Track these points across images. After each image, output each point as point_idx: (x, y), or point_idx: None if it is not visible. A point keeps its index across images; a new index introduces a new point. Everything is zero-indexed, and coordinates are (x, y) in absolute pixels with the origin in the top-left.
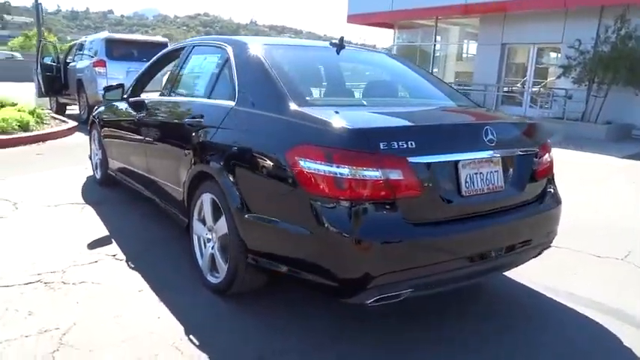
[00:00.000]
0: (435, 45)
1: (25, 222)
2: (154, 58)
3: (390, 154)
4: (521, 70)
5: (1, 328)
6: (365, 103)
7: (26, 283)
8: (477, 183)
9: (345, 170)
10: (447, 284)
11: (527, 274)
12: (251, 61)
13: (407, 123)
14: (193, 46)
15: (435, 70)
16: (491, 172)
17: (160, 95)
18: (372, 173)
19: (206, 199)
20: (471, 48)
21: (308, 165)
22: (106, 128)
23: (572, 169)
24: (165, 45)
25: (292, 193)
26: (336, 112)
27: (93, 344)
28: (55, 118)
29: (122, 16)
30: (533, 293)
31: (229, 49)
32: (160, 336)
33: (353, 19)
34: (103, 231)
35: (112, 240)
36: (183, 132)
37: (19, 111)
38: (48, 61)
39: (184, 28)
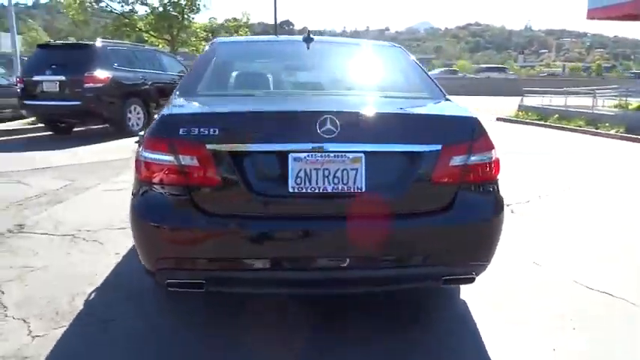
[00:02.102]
0: None
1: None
2: None
3: (186, 140)
4: None
5: None
6: (255, 94)
7: (64, 235)
8: (318, 180)
9: (148, 155)
10: (267, 286)
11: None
12: (198, 56)
13: (219, 110)
14: None
15: None
16: (344, 169)
17: None
18: (166, 158)
19: None
20: None
21: (139, 148)
22: None
23: None
24: None
25: None
26: (184, 101)
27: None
28: None
29: (396, 32)
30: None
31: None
32: (41, 284)
33: (594, 13)
34: None
35: None
36: None
37: None
38: None
39: (454, 39)
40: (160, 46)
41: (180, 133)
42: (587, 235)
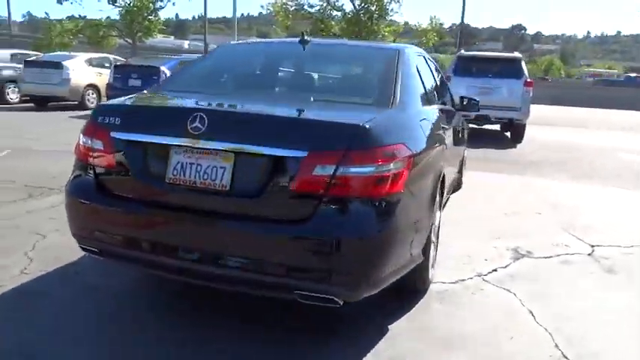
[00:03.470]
0: None
1: None
2: None
3: (99, 127)
4: None
5: None
6: (204, 92)
7: None
8: (190, 174)
9: (80, 137)
10: (142, 265)
11: None
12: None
13: (123, 102)
14: None
15: None
16: (214, 166)
17: None
18: (87, 141)
19: None
20: None
21: None
22: None
23: None
24: (518, 60)
25: None
26: (135, 95)
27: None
28: None
29: None
30: None
31: None
32: None
33: None
34: None
35: None
36: None
37: None
38: None
39: None
40: None
41: (99, 120)
42: None
